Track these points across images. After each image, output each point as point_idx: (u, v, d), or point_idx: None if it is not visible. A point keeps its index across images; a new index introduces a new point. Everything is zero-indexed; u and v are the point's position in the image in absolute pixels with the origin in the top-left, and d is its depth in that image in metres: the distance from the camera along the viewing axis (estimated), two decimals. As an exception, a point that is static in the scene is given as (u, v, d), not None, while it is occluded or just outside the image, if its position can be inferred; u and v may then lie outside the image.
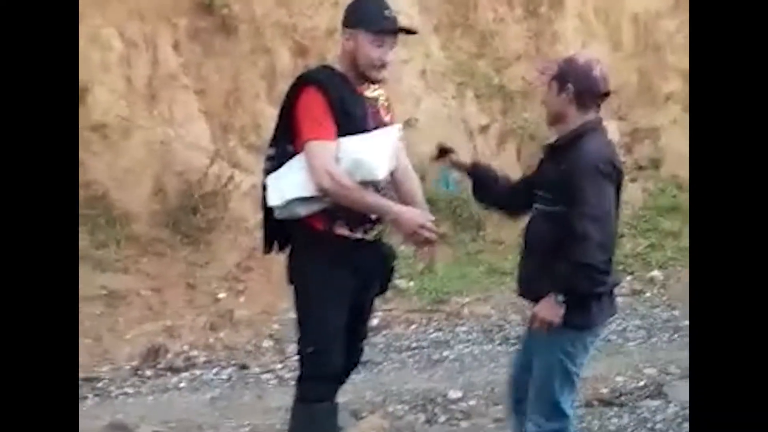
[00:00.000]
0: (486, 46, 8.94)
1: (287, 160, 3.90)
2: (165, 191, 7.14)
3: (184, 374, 6.03)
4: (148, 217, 6.99)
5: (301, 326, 4.04)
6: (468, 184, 4.16)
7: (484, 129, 8.54)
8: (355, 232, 3.92)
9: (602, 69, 3.92)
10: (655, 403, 5.50)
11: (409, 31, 4.13)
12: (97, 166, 6.94)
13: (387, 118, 4.07)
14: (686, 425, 5.18)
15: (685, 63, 9.65)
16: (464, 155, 8.09)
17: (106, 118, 7.09)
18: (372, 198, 3.88)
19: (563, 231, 3.74)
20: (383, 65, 3.97)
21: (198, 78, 7.61)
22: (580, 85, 3.85)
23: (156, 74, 7.47)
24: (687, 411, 5.33)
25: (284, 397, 5.44)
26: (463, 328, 6.85)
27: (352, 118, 3.89)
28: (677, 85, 9.62)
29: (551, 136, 4.02)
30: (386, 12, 3.99)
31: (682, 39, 9.72)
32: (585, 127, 3.87)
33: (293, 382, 4.97)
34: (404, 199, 4.14)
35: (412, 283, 7.22)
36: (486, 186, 4.19)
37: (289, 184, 3.89)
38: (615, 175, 3.86)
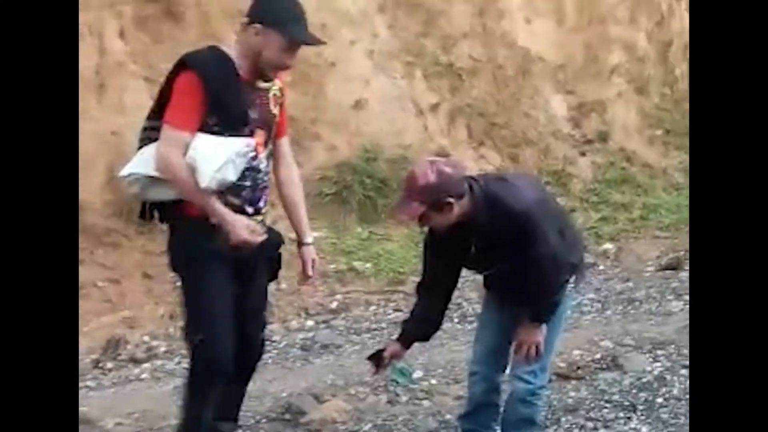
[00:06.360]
0: (432, 24, 8.93)
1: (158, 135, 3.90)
2: (118, 181, 7.06)
3: (146, 365, 6.03)
4: (101, 207, 6.92)
5: (187, 314, 4.07)
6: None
7: (433, 108, 8.56)
8: None
9: (438, 166, 3.84)
10: (612, 374, 5.59)
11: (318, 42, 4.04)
12: (48, 157, 6.86)
13: (276, 110, 4.00)
14: (642, 395, 5.28)
15: (627, 34, 9.77)
16: (415, 134, 8.25)
17: (55, 108, 7.01)
18: (200, 195, 3.83)
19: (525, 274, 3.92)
20: (287, 68, 3.94)
21: (146, 66, 7.52)
22: (452, 190, 3.81)
23: (104, 63, 7.38)
24: (642, 381, 5.44)
25: (247, 384, 5.45)
26: (422, 308, 6.90)
27: (231, 108, 3.84)
28: (621, 57, 9.72)
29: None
30: (304, 18, 3.87)
31: (624, 11, 9.82)
32: (476, 197, 3.89)
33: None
34: (287, 208, 4.21)
35: (368, 265, 7.24)
36: (427, 330, 4.29)
37: (142, 160, 3.94)
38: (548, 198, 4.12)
